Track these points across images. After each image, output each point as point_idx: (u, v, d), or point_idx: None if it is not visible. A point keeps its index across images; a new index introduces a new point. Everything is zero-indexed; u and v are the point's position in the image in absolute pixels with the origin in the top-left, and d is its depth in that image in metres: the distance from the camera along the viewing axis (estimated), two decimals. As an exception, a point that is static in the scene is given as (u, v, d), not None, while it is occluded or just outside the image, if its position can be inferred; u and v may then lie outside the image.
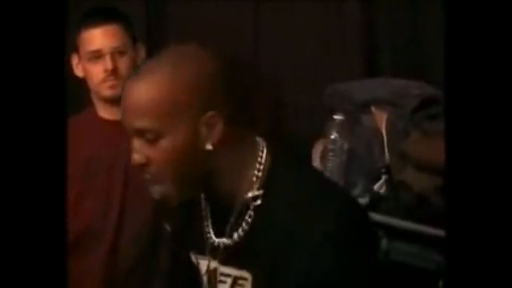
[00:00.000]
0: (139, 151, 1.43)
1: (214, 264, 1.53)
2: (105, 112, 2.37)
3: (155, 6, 2.88)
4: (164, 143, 1.41)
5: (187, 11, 2.82)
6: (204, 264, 1.55)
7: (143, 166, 1.44)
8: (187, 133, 1.41)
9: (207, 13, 2.77)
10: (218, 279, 1.52)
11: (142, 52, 2.39)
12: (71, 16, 2.55)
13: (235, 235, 1.48)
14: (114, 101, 2.17)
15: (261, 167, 1.46)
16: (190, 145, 1.42)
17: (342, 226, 1.41)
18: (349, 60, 2.66)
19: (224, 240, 1.50)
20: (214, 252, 1.52)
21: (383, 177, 2.37)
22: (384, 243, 2.30)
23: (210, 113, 1.42)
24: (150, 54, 2.71)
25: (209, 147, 1.42)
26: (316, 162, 2.42)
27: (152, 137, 1.41)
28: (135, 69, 1.51)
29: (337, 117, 2.38)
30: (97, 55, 2.30)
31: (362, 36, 2.65)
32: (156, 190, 1.46)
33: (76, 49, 2.35)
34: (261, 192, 1.45)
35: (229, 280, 1.50)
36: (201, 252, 1.55)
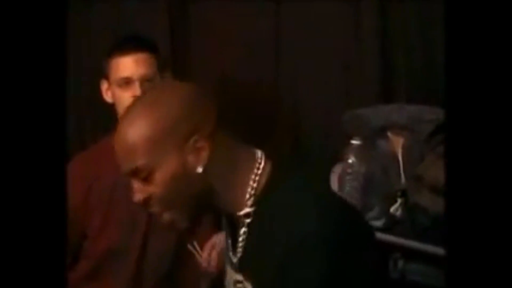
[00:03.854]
0: (139, 190, 1.52)
1: (232, 274, 1.60)
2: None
3: (177, 11, 2.95)
4: (157, 177, 1.48)
5: (209, 15, 2.89)
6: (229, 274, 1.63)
7: (146, 202, 1.52)
8: (176, 163, 1.47)
9: (229, 19, 2.86)
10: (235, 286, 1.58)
11: (169, 79, 2.46)
12: (101, 43, 2.69)
13: (238, 250, 1.55)
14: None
15: (256, 180, 1.50)
16: (181, 173, 1.48)
17: (323, 227, 1.40)
18: (366, 86, 2.74)
19: (232, 254, 1.58)
20: (232, 264, 1.59)
21: (399, 200, 2.41)
22: (400, 263, 2.34)
23: (193, 138, 1.48)
24: (174, 55, 2.86)
25: (199, 170, 1.48)
26: (334, 185, 2.47)
27: (145, 175, 1.49)
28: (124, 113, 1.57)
29: (355, 141, 2.42)
30: (126, 82, 2.37)
31: (378, 62, 2.71)
32: (164, 218, 1.53)
33: (106, 76, 2.43)
34: (252, 209, 1.49)
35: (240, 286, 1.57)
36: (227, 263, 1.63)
